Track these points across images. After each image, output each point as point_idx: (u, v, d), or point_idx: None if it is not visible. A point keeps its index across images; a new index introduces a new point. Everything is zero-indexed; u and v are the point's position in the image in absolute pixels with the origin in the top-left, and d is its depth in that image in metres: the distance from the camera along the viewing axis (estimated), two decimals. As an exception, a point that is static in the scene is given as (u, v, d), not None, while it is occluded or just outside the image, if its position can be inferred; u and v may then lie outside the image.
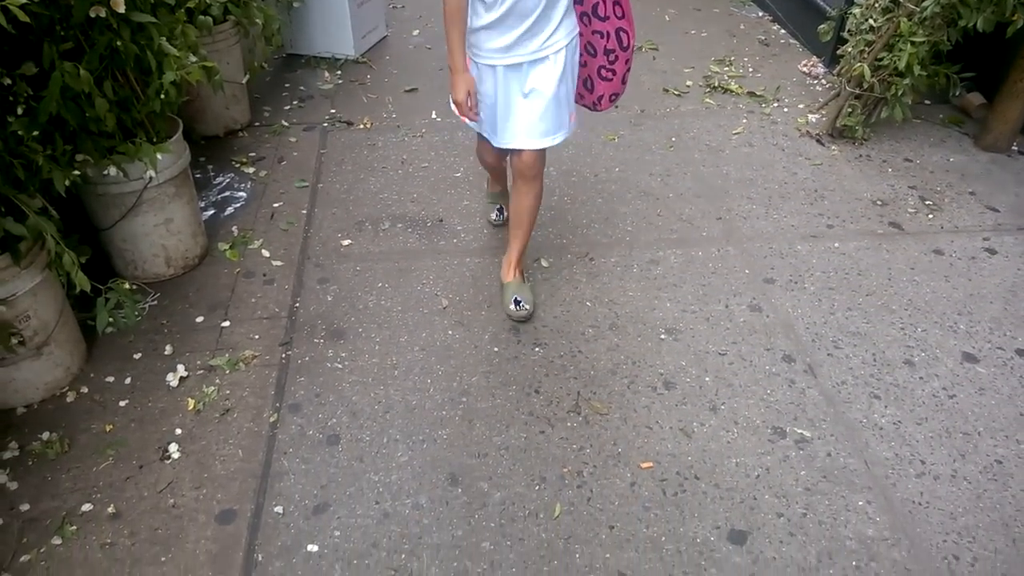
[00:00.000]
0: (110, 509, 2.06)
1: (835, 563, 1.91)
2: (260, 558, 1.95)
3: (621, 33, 2.37)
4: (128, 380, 2.47)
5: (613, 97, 2.55)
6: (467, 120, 2.44)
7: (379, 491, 2.11)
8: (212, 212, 3.31)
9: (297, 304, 2.77)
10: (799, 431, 2.26)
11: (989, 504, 2.05)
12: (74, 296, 2.43)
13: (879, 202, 3.34)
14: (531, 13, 2.23)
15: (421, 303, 2.78)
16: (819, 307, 2.75)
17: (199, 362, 2.52)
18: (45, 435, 2.26)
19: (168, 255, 2.87)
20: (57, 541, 1.98)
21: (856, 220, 3.24)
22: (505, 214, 2.97)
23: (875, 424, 2.29)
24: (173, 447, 2.23)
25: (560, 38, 2.30)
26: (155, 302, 2.78)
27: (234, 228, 3.18)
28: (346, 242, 3.11)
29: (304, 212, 3.30)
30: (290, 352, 2.56)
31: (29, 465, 2.18)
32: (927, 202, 3.35)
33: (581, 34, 2.43)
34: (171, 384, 2.43)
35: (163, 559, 1.94)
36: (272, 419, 2.32)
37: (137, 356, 2.55)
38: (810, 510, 2.04)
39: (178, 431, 2.28)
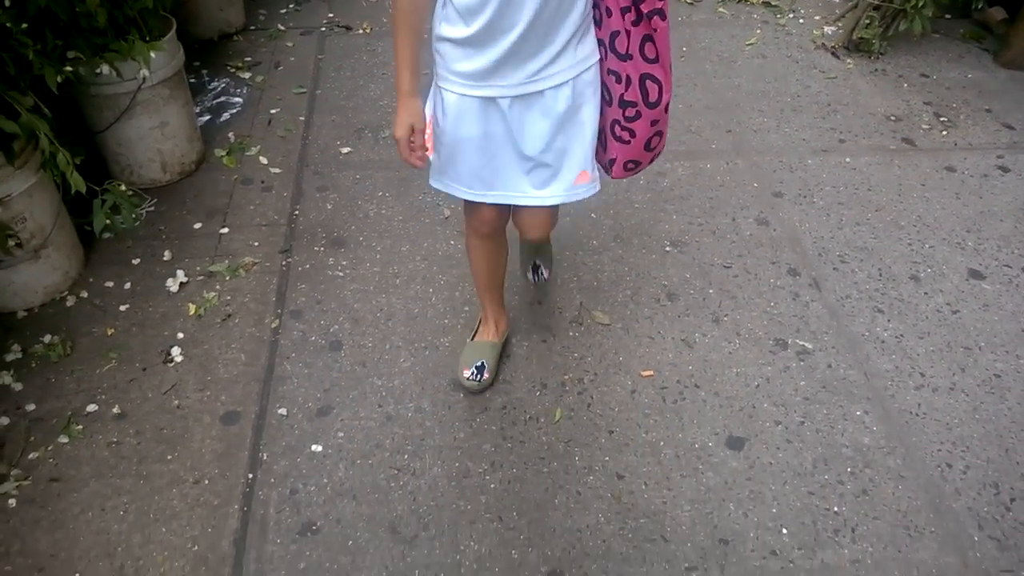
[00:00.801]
0: (115, 410, 2.13)
1: (830, 469, 1.99)
2: (265, 457, 2.02)
3: (648, 82, 1.64)
4: (128, 285, 2.51)
5: (630, 166, 1.80)
6: (416, 164, 1.74)
7: (382, 395, 2.17)
8: (208, 118, 3.29)
9: (296, 212, 2.79)
10: (801, 343, 2.32)
11: (985, 416, 2.12)
12: (70, 200, 2.45)
13: (893, 117, 3.33)
14: (516, 26, 1.56)
15: (423, 212, 2.80)
16: (827, 222, 2.77)
17: (198, 268, 2.55)
18: (47, 338, 2.31)
19: (164, 160, 2.87)
20: (64, 440, 2.05)
21: (868, 135, 3.22)
22: (486, 374, 2.17)
23: (877, 337, 2.34)
24: (176, 351, 2.28)
25: (563, 67, 1.64)
26: (152, 208, 2.80)
27: (231, 134, 3.17)
28: (345, 150, 3.10)
29: (302, 119, 3.28)
30: (290, 259, 2.59)
31: (32, 367, 2.24)
32: (942, 118, 3.33)
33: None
34: (171, 289, 2.48)
35: (169, 457, 2.02)
36: (274, 325, 2.36)
37: (136, 262, 2.58)
38: (808, 419, 2.11)
39: (180, 335, 2.33)
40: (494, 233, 2.03)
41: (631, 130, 1.72)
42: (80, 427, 2.08)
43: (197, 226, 2.72)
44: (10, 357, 2.25)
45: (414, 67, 1.67)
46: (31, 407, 2.13)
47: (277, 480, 1.97)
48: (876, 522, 1.88)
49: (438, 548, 1.84)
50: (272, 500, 1.93)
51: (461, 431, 2.08)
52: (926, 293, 2.49)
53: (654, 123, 1.71)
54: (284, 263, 2.58)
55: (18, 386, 2.19)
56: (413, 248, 2.64)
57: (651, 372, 2.22)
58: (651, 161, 1.83)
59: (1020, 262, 2.60)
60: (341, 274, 2.54)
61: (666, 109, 1.71)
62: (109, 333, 2.35)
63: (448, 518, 1.89)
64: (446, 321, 2.39)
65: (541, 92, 1.66)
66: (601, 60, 1.70)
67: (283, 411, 2.13)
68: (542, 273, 2.40)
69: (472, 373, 2.17)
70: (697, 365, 2.25)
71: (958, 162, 3.07)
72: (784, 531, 1.87)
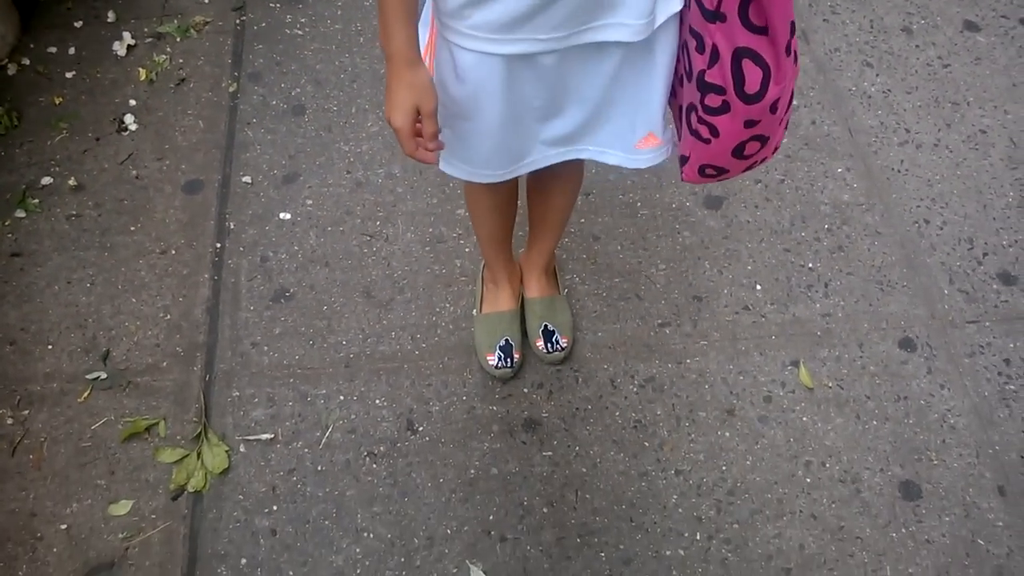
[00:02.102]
0: (71, 182, 1.97)
1: (807, 226, 1.91)
2: (232, 226, 1.91)
3: (747, 63, 1.01)
4: (72, 50, 2.25)
5: (710, 172, 1.19)
6: (427, 160, 1.17)
7: (350, 160, 2.02)
8: None
9: (248, -33, 2.49)
10: (784, 102, 2.16)
11: (966, 172, 2.02)
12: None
13: None
14: None
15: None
16: (819, -28, 2.52)
17: (146, 29, 2.29)
18: (-10, 108, 2.12)
19: (94, -92, 2.50)
20: (21, 214, 1.91)
21: None
22: (516, 354, 1.68)
23: (864, 92, 2.18)
24: (129, 119, 2.08)
25: (634, 10, 1.05)
26: (88, -35, 2.48)
27: None
28: None
29: None
30: (244, 17, 2.31)
31: (-22, 139, 2.06)
32: None
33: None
34: (119, 53, 2.23)
35: (133, 228, 1.90)
36: (231, 88, 2.15)
37: (78, 24, 2.31)
38: (788, 176, 2.00)
39: (132, 102, 2.12)
40: (510, 208, 1.57)
41: (712, 126, 1.08)
42: (36, 201, 1.94)
43: (140, -16, 2.43)
44: (-47, 129, 2.07)
45: (412, 14, 1.05)
46: (-18, 181, 1.98)
47: (246, 249, 1.87)
48: (849, 277, 1.83)
49: (414, 310, 1.79)
50: (243, 268, 1.84)
51: (434, 196, 1.96)
52: (918, 46, 2.30)
53: (750, 124, 1.05)
54: (238, 21, 2.31)
55: (-35, 159, 2.03)
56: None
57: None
58: (747, 170, 1.20)
59: (1018, 13, 2.38)
60: (300, 32, 2.29)
61: (775, 108, 1.04)
62: (57, 102, 2.13)
63: (423, 282, 1.83)
64: (415, 84, 2.18)
65: (599, 45, 1.09)
66: (683, 12, 1.09)
67: (247, 179, 1.98)
68: (558, 342, 1.71)
69: (499, 359, 1.68)
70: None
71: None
72: (758, 287, 1.82)
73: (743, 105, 1.03)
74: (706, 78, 1.04)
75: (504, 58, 1.08)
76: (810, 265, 1.85)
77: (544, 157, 1.28)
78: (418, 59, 1.06)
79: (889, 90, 2.17)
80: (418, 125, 1.09)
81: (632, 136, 1.24)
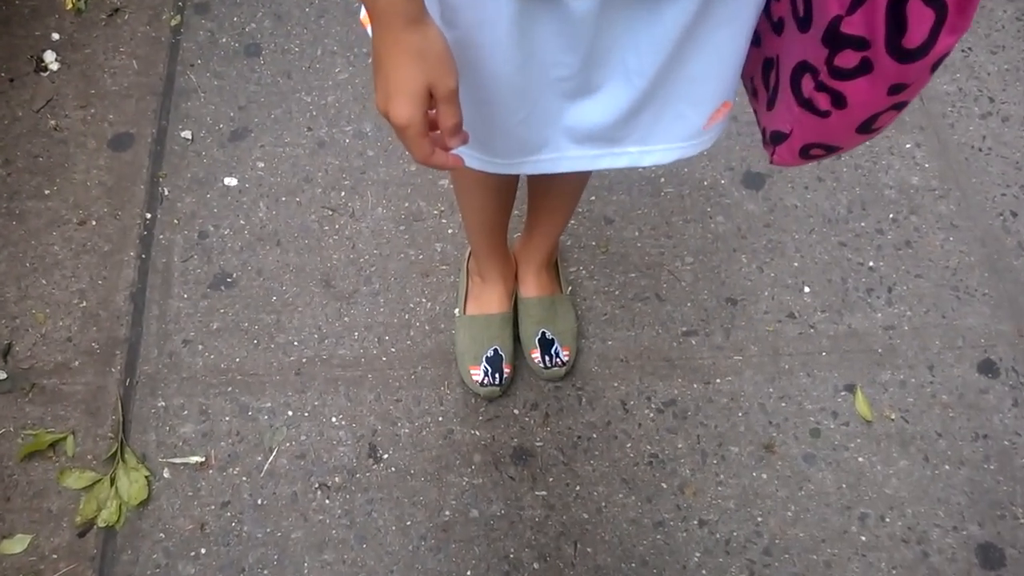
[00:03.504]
0: (-22, 130, 1.61)
1: (868, 214, 1.54)
2: (166, 192, 1.53)
3: (913, 2, 0.59)
4: (-10, -30, 1.87)
5: (815, 152, 0.79)
6: (447, 165, 0.75)
7: (312, 115, 1.63)
8: None
9: None
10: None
11: (1058, 152, 1.65)
12: None
13: None
14: None
15: None
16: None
17: (79, -52, 1.90)
18: None
19: None
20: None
21: None
22: (506, 368, 1.32)
23: (937, 51, 1.79)
24: (50, 56, 1.68)
25: None
26: None
27: None
28: None
29: None
30: (196, -63, 1.92)
31: None
32: None
33: None
34: (44, -25, 1.84)
35: (47, 192, 1.52)
36: (174, 22, 1.74)
37: (0, -60, 1.92)
38: (846, 152, 1.63)
39: (55, 36, 1.71)
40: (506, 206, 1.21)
41: (838, 94, 0.71)
42: (-66, 151, 1.58)
43: None
44: None
45: None
46: None
47: (182, 221, 1.50)
48: (918, 281, 1.47)
49: (383, 305, 1.43)
50: (177, 245, 1.48)
51: (412, 163, 1.59)
52: (1000, -4, 1.90)
53: (897, 89, 0.67)
54: (189, -57, 1.92)
55: None
56: (358, -72, 1.97)
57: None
58: (857, 145, 0.83)
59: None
60: (262, -42, 1.89)
61: (937, 66, 0.64)
62: (-32, 33, 1.76)
63: (395, 270, 1.46)
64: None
65: None
66: None
67: (187, 134, 1.59)
68: (558, 354, 1.34)
69: (485, 373, 1.31)
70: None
71: None
72: (806, 290, 1.46)
73: (895, 65, 0.64)
74: (843, 28, 0.66)
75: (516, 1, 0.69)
76: (870, 264, 1.48)
77: (566, 157, 0.88)
78: (423, 13, 0.65)
79: (969, 48, 1.76)
80: (431, 113, 0.70)
81: (701, 115, 0.84)
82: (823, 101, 0.72)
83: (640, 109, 0.81)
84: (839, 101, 0.71)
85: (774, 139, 0.82)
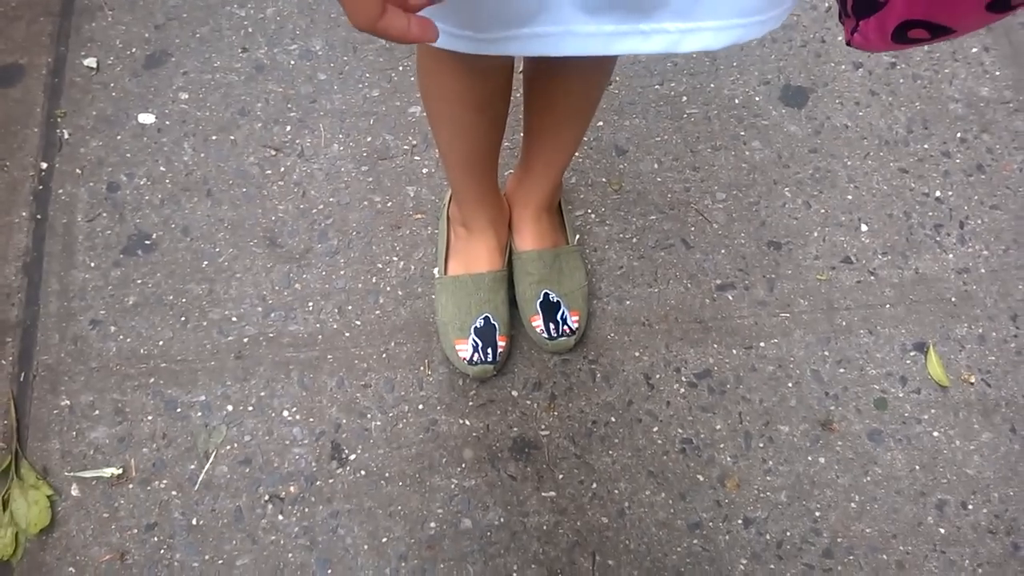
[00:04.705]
0: None
1: (931, 134, 1.25)
2: (66, 135, 1.20)
3: None
4: None
5: (914, 34, 0.51)
6: (425, 36, 0.45)
7: (247, 31, 1.29)
8: None
9: None
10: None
11: None
12: None
13: None
14: None
15: None
16: None
17: None
18: None
19: None
20: None
21: None
22: (499, 341, 1.03)
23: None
24: (-84, -32, 1.36)
25: None
26: None
27: None
28: None
29: None
30: None
31: None
32: None
33: None
34: None
35: (-84, 138, 1.22)
36: (71, -77, 1.42)
37: None
38: (902, 59, 1.29)
39: (-76, -56, 1.39)
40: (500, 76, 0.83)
41: None
42: None
43: None
44: None
45: None
46: None
47: (87, 171, 1.17)
48: (994, 213, 1.18)
49: (343, 267, 1.13)
50: (80, 201, 1.15)
51: (374, 87, 1.26)
52: None
53: None
54: None
55: None
56: None
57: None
58: (979, 28, 0.53)
59: None
60: None
61: None
62: None
63: (357, 222, 1.15)
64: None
65: None
66: None
67: (91, 62, 1.25)
68: (565, 320, 1.05)
69: (474, 348, 1.03)
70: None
71: None
72: (863, 228, 1.17)
73: None
74: None
75: None
76: (937, 194, 1.20)
77: (573, 33, 0.59)
78: None
79: (1035, -69, 1.47)
80: None
81: None
82: None
83: None
84: None
85: (860, 9, 0.54)
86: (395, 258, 1.13)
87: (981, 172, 1.21)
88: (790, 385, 1.07)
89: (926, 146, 1.22)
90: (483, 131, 0.85)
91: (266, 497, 1.00)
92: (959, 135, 1.23)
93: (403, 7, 0.43)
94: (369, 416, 1.03)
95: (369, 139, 1.20)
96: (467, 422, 1.04)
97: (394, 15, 0.42)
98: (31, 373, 1.05)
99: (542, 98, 0.86)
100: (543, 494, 1.01)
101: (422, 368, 1.06)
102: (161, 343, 1.07)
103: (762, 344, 1.09)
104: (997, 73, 1.28)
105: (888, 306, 1.12)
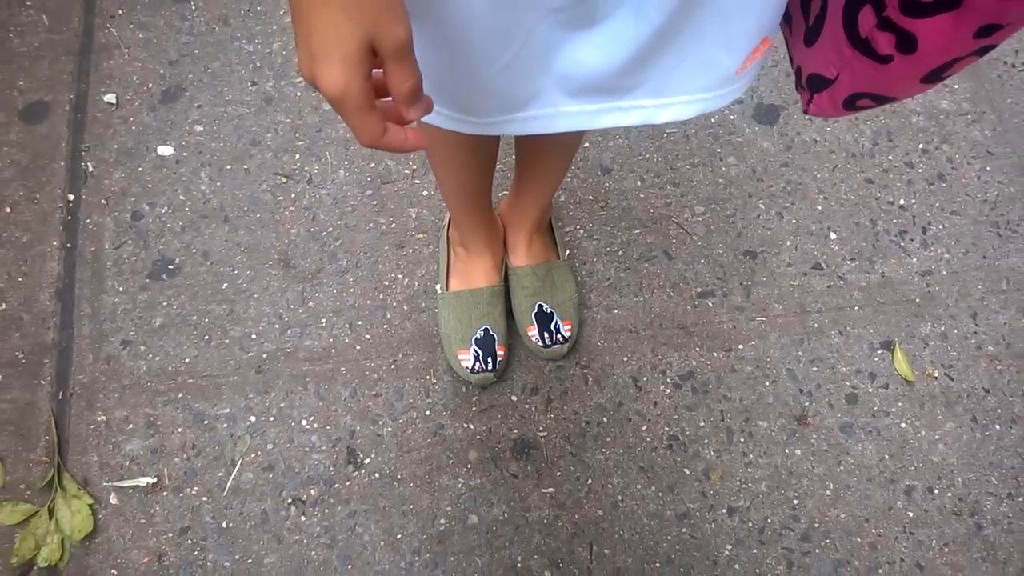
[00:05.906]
0: None
1: (895, 146, 1.32)
2: (91, 168, 1.27)
3: None
4: None
5: (863, 103, 0.59)
6: (405, 146, 0.50)
7: (255, 66, 1.35)
8: None
9: None
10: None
11: (1092, 62, 1.43)
12: None
13: None
14: None
15: None
16: None
17: None
18: None
19: None
20: None
21: None
22: (499, 350, 1.10)
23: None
24: (-57, 13, 1.42)
25: None
26: None
27: None
28: None
29: None
30: None
31: None
32: None
33: None
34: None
35: (-49, 174, 1.28)
36: (86, -34, 1.48)
37: None
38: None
39: (-51, -11, 1.45)
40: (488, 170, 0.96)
41: (906, 36, 0.50)
42: None
43: None
44: None
45: None
46: None
47: (112, 201, 1.24)
48: (954, 219, 1.26)
49: (352, 285, 1.20)
50: (107, 230, 1.22)
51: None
52: None
53: (987, 31, 0.46)
54: None
55: None
56: None
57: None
58: (916, 95, 0.66)
59: None
60: None
61: None
62: None
63: (364, 243, 1.22)
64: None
65: None
66: None
67: (111, 98, 1.32)
68: (558, 329, 1.13)
69: (476, 358, 1.10)
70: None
71: None
72: (832, 236, 1.24)
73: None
74: None
75: None
76: (901, 202, 1.27)
77: (562, 113, 0.64)
78: None
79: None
80: (377, 73, 0.47)
81: (735, 58, 0.60)
82: (885, 43, 0.52)
83: (654, 53, 0.57)
84: (907, 44, 0.51)
85: (813, 84, 0.61)
86: (400, 275, 1.20)
87: (942, 180, 1.28)
88: (767, 384, 1.14)
89: (890, 157, 1.29)
90: (476, 168, 0.92)
91: (289, 500, 1.07)
92: (921, 146, 1.30)
93: (399, 123, 0.49)
94: (381, 423, 1.10)
95: (372, 164, 1.27)
96: (471, 426, 1.11)
97: (394, 132, 0.48)
98: (68, 392, 1.12)
99: (529, 145, 0.93)
100: (543, 490, 1.08)
101: (428, 377, 1.13)
102: (187, 360, 1.14)
103: (740, 347, 1.16)
104: (956, 87, 1.35)
105: (857, 308, 1.19)
